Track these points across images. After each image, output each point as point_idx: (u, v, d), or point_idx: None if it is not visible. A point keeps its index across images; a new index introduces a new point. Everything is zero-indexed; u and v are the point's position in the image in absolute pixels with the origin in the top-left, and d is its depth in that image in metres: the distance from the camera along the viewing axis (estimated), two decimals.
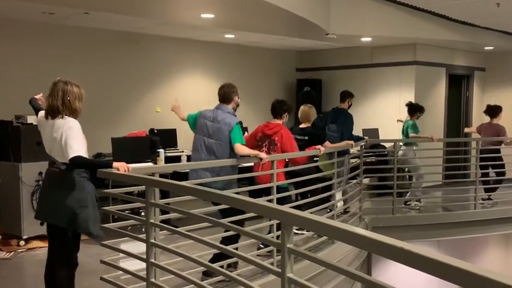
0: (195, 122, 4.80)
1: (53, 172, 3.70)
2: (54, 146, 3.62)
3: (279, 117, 5.44)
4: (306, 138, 6.11)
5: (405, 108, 8.04)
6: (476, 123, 10.46)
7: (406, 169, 8.30)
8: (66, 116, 3.62)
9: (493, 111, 8.25)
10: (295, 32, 8.49)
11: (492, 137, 8.16)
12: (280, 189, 4.97)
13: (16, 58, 7.19)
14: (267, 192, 4.94)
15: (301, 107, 6.44)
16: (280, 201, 4.81)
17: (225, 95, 4.75)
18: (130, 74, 8.44)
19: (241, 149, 4.58)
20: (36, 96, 4.32)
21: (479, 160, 7.97)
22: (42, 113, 3.86)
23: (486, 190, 8.28)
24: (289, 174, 5.52)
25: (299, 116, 6.40)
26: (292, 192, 5.48)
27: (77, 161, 3.49)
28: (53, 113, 3.65)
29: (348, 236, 1.99)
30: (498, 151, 8.22)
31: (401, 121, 8.27)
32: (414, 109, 7.88)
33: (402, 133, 7.96)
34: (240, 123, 4.67)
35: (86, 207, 3.62)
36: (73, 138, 3.51)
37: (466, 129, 9.49)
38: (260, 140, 5.37)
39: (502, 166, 8.22)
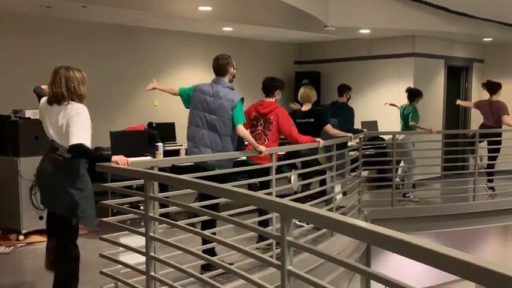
0: (188, 97, 4.68)
1: (54, 160, 3.60)
2: (61, 132, 3.51)
3: (271, 95, 5.36)
4: (312, 120, 6.06)
5: (404, 101, 8.03)
6: (474, 114, 10.45)
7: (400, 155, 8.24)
8: (73, 102, 3.54)
9: (492, 86, 8.13)
10: (294, 24, 8.47)
11: (492, 114, 8.05)
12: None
13: (13, 52, 7.16)
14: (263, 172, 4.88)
15: (301, 89, 6.31)
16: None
17: (220, 67, 4.64)
18: (128, 68, 8.42)
19: (243, 131, 4.54)
20: (42, 86, 4.25)
21: (478, 137, 7.90)
22: (44, 98, 3.76)
23: (487, 178, 8.25)
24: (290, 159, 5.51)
25: (300, 97, 6.27)
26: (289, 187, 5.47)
27: (78, 149, 3.39)
28: (58, 99, 3.54)
29: (349, 228, 1.98)
30: (498, 133, 8.14)
31: (394, 105, 8.23)
32: (415, 94, 7.86)
33: (402, 118, 7.92)
34: (242, 99, 4.60)
35: (85, 197, 3.61)
36: (78, 126, 3.42)
37: (459, 102, 9.13)
38: (254, 120, 5.27)
39: (498, 149, 8.18)
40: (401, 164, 8.00)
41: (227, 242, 2.92)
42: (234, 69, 4.71)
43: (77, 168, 3.60)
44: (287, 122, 5.24)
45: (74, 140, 3.38)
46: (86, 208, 3.62)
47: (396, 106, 8.18)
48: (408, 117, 7.73)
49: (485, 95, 8.49)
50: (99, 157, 3.82)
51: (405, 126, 7.87)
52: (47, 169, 3.67)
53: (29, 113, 5.80)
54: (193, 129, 4.59)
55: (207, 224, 4.27)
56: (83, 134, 3.42)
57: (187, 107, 4.74)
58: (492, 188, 8.34)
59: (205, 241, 4.09)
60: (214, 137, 4.50)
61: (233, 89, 4.65)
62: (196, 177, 3.60)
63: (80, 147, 3.39)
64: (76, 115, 3.47)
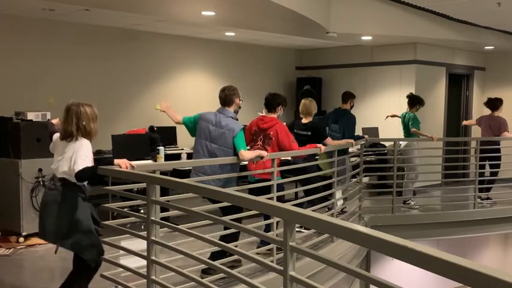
0: (194, 125, 4.74)
1: (49, 188, 3.75)
2: (61, 161, 3.67)
3: (273, 110, 5.38)
4: (309, 133, 6.08)
5: (405, 108, 8.04)
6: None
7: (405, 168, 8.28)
8: (79, 137, 3.69)
9: (493, 104, 8.19)
10: (296, 30, 8.49)
11: (493, 129, 8.08)
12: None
13: (16, 54, 7.17)
14: (263, 188, 4.90)
15: (302, 101, 6.35)
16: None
17: (226, 98, 4.70)
18: (129, 71, 8.43)
19: (245, 155, 4.58)
20: (53, 121, 4.37)
21: (478, 156, 7.93)
22: (57, 134, 3.94)
23: (482, 189, 8.25)
24: (290, 171, 5.51)
25: (300, 109, 6.31)
26: (290, 191, 5.46)
27: (82, 174, 3.53)
28: (67, 136, 3.71)
29: (352, 234, 1.98)
30: (497, 144, 8.16)
31: (395, 116, 8.26)
32: (415, 101, 7.87)
33: (403, 126, 7.94)
34: (243, 128, 4.66)
35: (78, 225, 3.64)
36: (80, 157, 3.57)
37: (465, 122, 9.45)
38: (255, 134, 5.30)
39: (498, 165, 8.19)
40: (405, 169, 8.03)
41: (230, 246, 2.92)
42: (240, 100, 4.79)
43: (67, 196, 3.66)
44: (287, 138, 5.26)
45: (79, 166, 3.52)
46: (81, 240, 3.63)
47: (398, 116, 8.19)
48: (409, 125, 7.75)
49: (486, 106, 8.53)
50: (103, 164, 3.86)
51: (407, 134, 7.88)
52: (44, 198, 3.82)
53: (31, 115, 5.80)
54: (194, 157, 4.69)
55: (229, 236, 4.28)
56: (85, 163, 3.57)
57: (192, 136, 4.81)
58: (488, 198, 8.33)
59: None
60: (213, 166, 4.55)
61: (237, 120, 4.71)
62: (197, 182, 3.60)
63: (84, 170, 3.53)
64: (79, 148, 3.62)
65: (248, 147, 5.14)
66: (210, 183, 4.34)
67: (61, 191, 3.67)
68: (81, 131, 3.69)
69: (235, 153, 4.55)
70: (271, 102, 5.39)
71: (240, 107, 4.84)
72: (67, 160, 3.63)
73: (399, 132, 8.29)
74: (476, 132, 9.16)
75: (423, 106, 8.02)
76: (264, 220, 5.01)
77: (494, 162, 8.19)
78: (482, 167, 8.19)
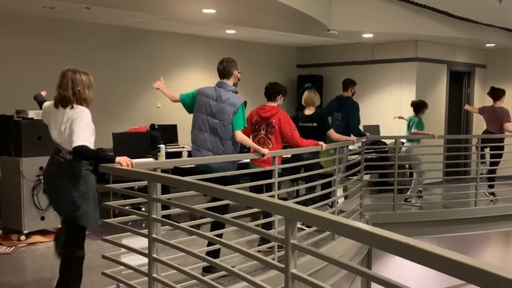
0: (192, 101, 4.66)
1: (57, 161, 3.66)
2: (64, 134, 3.59)
3: (273, 99, 5.37)
4: (315, 124, 6.06)
5: (407, 105, 8.06)
6: (476, 119, 10.46)
7: (407, 166, 8.29)
8: (76, 105, 3.60)
9: (496, 93, 8.18)
10: (297, 28, 8.47)
11: (495, 120, 8.08)
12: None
13: (17, 52, 7.17)
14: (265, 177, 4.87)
15: (305, 92, 6.32)
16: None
17: (225, 70, 4.65)
18: (130, 69, 8.42)
19: (241, 137, 4.51)
20: (42, 93, 4.30)
21: (480, 146, 7.91)
22: (48, 103, 3.85)
23: (489, 185, 8.24)
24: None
25: (304, 101, 6.28)
26: (292, 189, 5.45)
27: (81, 150, 3.45)
28: (63, 103, 3.62)
29: (354, 231, 1.98)
30: (501, 139, 8.15)
31: (402, 118, 8.27)
32: (420, 107, 7.88)
33: (408, 129, 7.95)
34: (245, 103, 4.60)
35: (87, 199, 3.62)
36: (80, 128, 3.49)
37: (467, 107, 9.38)
38: (256, 124, 5.28)
39: (500, 156, 8.18)
40: (414, 175, 8.05)
41: (231, 244, 2.91)
42: (238, 72, 4.72)
43: (79, 169, 3.62)
44: (289, 126, 5.24)
45: (77, 141, 3.44)
46: (88, 210, 3.62)
47: (405, 119, 8.18)
48: (412, 127, 7.76)
49: (488, 101, 8.49)
50: (102, 158, 3.86)
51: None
52: (50, 171, 3.74)
53: (32, 114, 5.79)
54: (195, 133, 4.60)
55: (216, 225, 4.28)
56: (86, 137, 3.48)
57: (190, 113, 4.73)
58: (493, 194, 8.33)
59: (211, 243, 4.09)
60: (216, 141, 4.50)
61: (236, 93, 4.65)
62: (198, 180, 3.60)
63: (83, 148, 3.45)
64: (78, 118, 3.53)
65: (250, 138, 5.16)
66: (213, 165, 4.37)
67: (74, 165, 3.59)
68: (76, 97, 3.61)
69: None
70: (271, 91, 5.38)
71: (238, 79, 4.75)
72: (65, 132, 3.55)
73: (400, 130, 8.28)
74: (477, 129, 9.15)
75: (428, 107, 8.03)
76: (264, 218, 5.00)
77: (495, 158, 8.19)
78: (483, 157, 8.16)
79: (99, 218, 3.74)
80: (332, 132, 6.10)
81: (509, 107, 8.26)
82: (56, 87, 3.69)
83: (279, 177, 4.84)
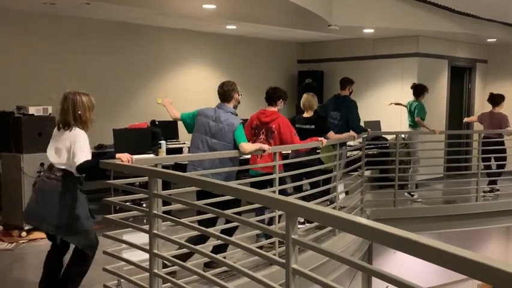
0: (192, 121, 4.74)
1: (48, 177, 3.75)
2: (61, 152, 3.71)
3: (274, 104, 5.39)
4: (313, 127, 6.07)
5: (408, 100, 8.03)
6: (478, 115, 10.44)
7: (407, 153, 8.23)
8: (75, 128, 3.71)
9: (494, 99, 8.20)
10: (298, 23, 8.45)
11: (494, 126, 8.11)
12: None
13: (17, 49, 7.16)
14: (267, 182, 4.91)
15: (304, 95, 6.35)
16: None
17: (225, 94, 4.72)
18: (130, 65, 8.41)
19: (246, 147, 4.57)
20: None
21: (481, 151, 7.92)
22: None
23: (489, 182, 8.25)
24: (291, 165, 5.50)
25: (302, 104, 6.31)
26: (292, 185, 5.45)
27: (84, 166, 3.58)
28: (64, 125, 3.74)
29: (355, 226, 1.98)
30: (501, 141, 8.17)
31: (400, 104, 8.26)
32: (420, 90, 7.89)
33: (409, 114, 7.94)
34: (242, 123, 4.67)
35: (78, 219, 3.69)
36: (79, 148, 3.61)
37: (466, 119, 9.44)
38: (256, 128, 5.31)
39: (504, 158, 8.20)
40: (411, 166, 8.04)
41: (233, 240, 2.91)
42: (238, 95, 4.80)
43: (68, 187, 3.70)
44: (289, 131, 5.27)
45: (78, 161, 3.58)
46: (78, 229, 3.68)
47: (402, 105, 8.18)
48: (415, 113, 7.75)
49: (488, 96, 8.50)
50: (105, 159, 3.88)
51: (413, 122, 7.89)
52: (40, 186, 3.86)
53: (32, 110, 5.80)
54: (193, 151, 4.67)
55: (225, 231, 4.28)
56: (85, 155, 3.62)
57: (189, 132, 4.81)
58: (492, 190, 8.32)
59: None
60: (214, 161, 4.55)
61: (236, 115, 4.73)
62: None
63: (83, 164, 3.58)
64: (76, 141, 3.66)
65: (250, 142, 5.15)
66: (209, 177, 4.34)
67: (62, 181, 3.69)
68: (77, 120, 3.71)
69: (236, 148, 4.55)
70: (272, 96, 5.40)
71: (239, 102, 4.86)
72: (65, 151, 3.67)
73: (401, 125, 8.27)
74: (478, 124, 9.13)
75: (428, 92, 8.02)
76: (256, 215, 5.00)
77: (499, 162, 8.19)
78: (486, 160, 8.17)
79: (94, 239, 3.78)
80: (331, 135, 6.10)
81: (511, 101, 8.27)
82: (59, 110, 3.80)
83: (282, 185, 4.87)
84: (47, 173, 3.81)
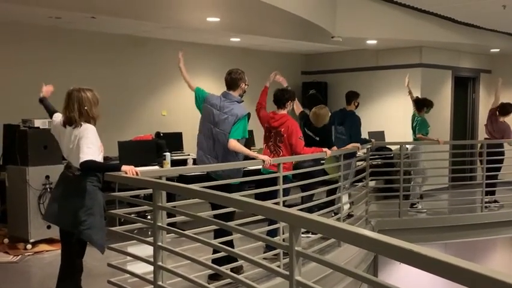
0: (201, 101, 4.74)
1: (66, 176, 3.73)
2: (72, 152, 3.68)
3: (282, 106, 5.39)
4: (317, 139, 6.08)
5: (412, 112, 8.04)
6: (482, 125, 10.41)
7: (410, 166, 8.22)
8: (83, 123, 3.67)
9: (505, 108, 8.16)
10: (301, 35, 8.49)
11: (495, 132, 8.10)
12: (284, 179, 4.90)
13: (23, 62, 7.22)
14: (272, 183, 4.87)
15: (313, 110, 6.32)
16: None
17: (232, 81, 4.69)
18: (135, 78, 8.46)
19: (233, 145, 4.47)
20: (43, 89, 4.27)
21: (485, 148, 7.90)
22: (58, 116, 3.91)
23: (488, 192, 8.20)
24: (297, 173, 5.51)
25: (311, 119, 6.30)
26: (300, 195, 5.44)
27: (87, 165, 3.52)
28: (70, 123, 3.69)
29: (359, 238, 1.98)
30: (501, 146, 8.14)
31: (411, 93, 8.22)
32: (421, 104, 7.88)
33: (412, 129, 7.93)
34: (248, 114, 4.62)
35: (92, 215, 3.63)
36: (86, 144, 3.56)
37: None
38: (267, 131, 5.36)
39: (499, 167, 8.15)
40: (412, 176, 8.01)
41: (236, 251, 2.92)
42: (245, 84, 4.76)
43: (85, 185, 3.65)
44: (295, 135, 5.25)
45: (83, 157, 3.52)
46: (92, 225, 3.62)
47: (411, 94, 8.13)
48: (416, 130, 7.74)
49: (492, 105, 8.49)
50: (109, 168, 3.87)
51: (415, 137, 7.87)
52: (59, 184, 3.81)
53: (38, 123, 5.82)
54: (202, 138, 4.66)
55: (220, 232, 4.28)
56: (91, 152, 3.55)
57: (197, 107, 4.82)
58: (495, 201, 8.29)
59: (216, 250, 4.09)
60: (221, 149, 4.55)
61: (241, 102, 4.68)
62: (203, 187, 3.62)
63: (90, 163, 3.52)
64: (84, 136, 3.60)
65: (264, 145, 5.31)
66: (219, 172, 4.43)
67: (81, 180, 3.64)
68: (84, 116, 3.68)
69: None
70: (280, 98, 5.40)
71: (245, 91, 4.79)
72: (73, 149, 3.64)
73: (405, 136, 8.26)
74: (483, 134, 9.11)
75: (432, 107, 8.02)
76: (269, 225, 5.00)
77: (495, 164, 8.14)
78: (487, 169, 8.14)
79: (105, 237, 3.74)
80: (334, 150, 6.07)
81: None
82: (63, 108, 3.76)
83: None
84: (66, 171, 3.77)
